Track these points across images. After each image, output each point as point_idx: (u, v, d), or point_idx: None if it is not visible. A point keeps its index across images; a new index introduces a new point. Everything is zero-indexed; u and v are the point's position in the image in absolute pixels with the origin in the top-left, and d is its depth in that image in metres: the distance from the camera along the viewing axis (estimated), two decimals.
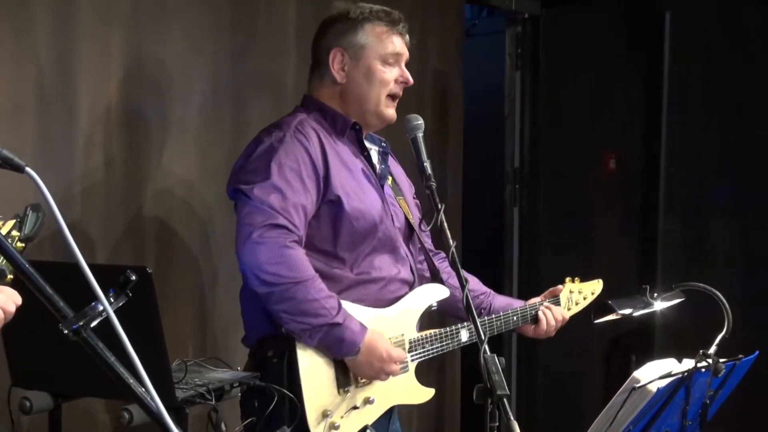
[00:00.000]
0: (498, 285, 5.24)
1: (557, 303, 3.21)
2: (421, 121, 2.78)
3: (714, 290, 3.00)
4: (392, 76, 2.89)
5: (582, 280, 3.32)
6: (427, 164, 2.71)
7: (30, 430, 2.96)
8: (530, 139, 5.31)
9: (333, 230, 2.79)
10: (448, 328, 2.94)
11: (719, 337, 2.88)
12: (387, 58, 2.88)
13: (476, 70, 5.26)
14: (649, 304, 3.26)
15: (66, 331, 1.63)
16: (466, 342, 2.96)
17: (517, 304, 3.18)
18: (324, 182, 2.77)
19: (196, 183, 3.51)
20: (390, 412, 2.91)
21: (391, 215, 2.92)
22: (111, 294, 1.66)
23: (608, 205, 5.57)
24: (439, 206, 2.59)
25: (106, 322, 1.63)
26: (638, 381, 2.64)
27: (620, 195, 5.61)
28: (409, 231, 3.01)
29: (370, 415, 2.81)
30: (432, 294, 2.97)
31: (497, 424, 2.25)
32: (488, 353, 2.30)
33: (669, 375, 2.67)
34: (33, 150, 3.00)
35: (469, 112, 4.95)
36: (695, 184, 5.48)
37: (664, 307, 3.29)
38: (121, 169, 3.27)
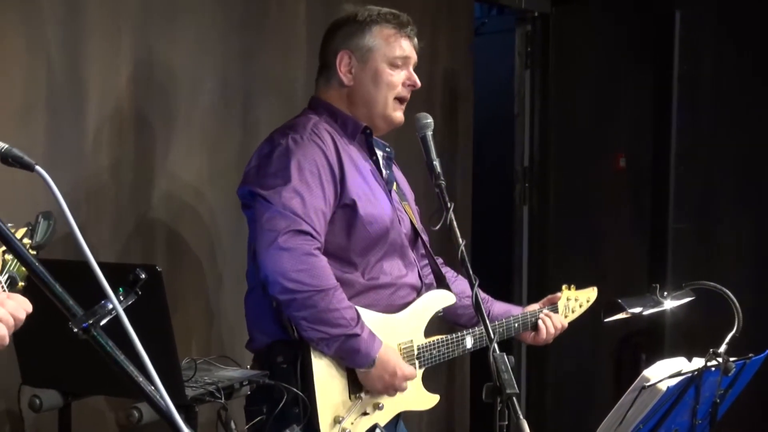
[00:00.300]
0: (507, 284, 5.25)
1: (555, 310, 3.19)
2: (430, 120, 2.75)
3: (724, 289, 2.99)
4: (400, 79, 2.87)
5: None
6: (437, 162, 2.68)
7: (40, 429, 2.96)
8: (540, 138, 5.29)
9: (346, 234, 2.78)
10: (454, 335, 2.93)
11: (729, 335, 2.87)
12: (394, 61, 2.86)
13: (486, 69, 5.25)
14: (659, 303, 3.25)
15: (76, 330, 1.63)
16: (471, 349, 2.96)
17: (516, 310, 3.17)
18: (340, 186, 2.75)
19: (205, 182, 3.51)
20: (396, 416, 2.91)
21: (399, 220, 2.92)
22: (121, 292, 1.65)
23: (618, 204, 5.55)
24: (449, 205, 2.57)
25: (116, 320, 1.63)
26: (648, 380, 2.63)
27: (630, 193, 5.60)
28: (414, 237, 3.00)
29: (379, 420, 2.80)
30: (439, 300, 2.96)
31: (507, 422, 2.25)
32: (497, 352, 2.29)
33: (679, 374, 2.66)
34: (43, 149, 3.00)
35: (479, 110, 4.94)
36: (705, 182, 5.47)
37: (674, 306, 3.28)
38: (131, 168, 3.28)
